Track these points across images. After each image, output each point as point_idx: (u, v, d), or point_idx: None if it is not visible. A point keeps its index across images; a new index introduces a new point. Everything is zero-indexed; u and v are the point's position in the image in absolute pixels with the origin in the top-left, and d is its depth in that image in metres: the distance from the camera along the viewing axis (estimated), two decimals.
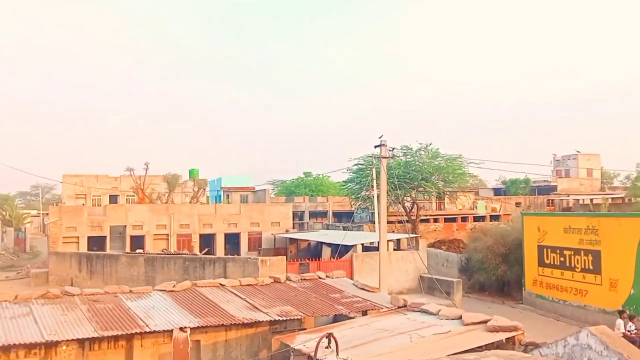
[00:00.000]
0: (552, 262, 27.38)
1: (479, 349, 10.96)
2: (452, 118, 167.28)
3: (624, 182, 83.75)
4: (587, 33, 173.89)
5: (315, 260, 32.54)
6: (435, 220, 49.50)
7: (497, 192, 74.87)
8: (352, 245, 32.87)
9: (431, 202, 52.14)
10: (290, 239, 44.19)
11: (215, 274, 29.54)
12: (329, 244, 35.60)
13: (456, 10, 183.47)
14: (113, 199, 62.84)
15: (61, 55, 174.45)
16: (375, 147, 23.69)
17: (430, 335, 11.87)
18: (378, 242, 24.96)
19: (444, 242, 43.69)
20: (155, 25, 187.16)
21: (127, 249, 40.62)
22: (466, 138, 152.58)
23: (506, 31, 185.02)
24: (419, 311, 14.15)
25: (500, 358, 9.29)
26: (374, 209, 36.23)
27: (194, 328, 13.15)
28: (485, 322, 12.17)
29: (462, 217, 51.05)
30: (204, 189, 60.51)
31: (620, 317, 18.79)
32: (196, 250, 41.88)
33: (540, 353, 10.46)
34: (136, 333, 12.77)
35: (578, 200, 59.06)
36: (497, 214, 53.93)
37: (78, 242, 41.42)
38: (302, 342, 12.20)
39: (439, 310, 13.53)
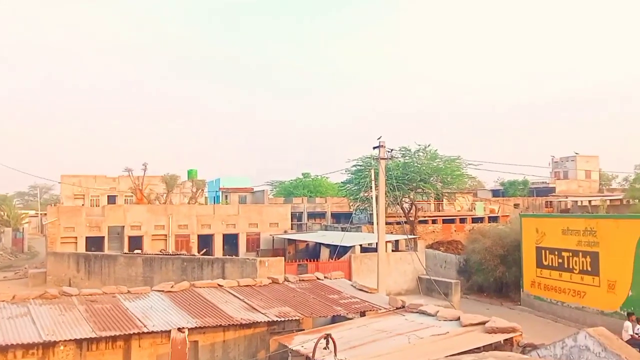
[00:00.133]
0: (550, 264, 27.40)
1: (477, 350, 10.96)
2: (452, 118, 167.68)
3: (622, 183, 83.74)
4: (587, 33, 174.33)
5: (314, 261, 32.52)
6: (434, 222, 49.51)
7: (495, 193, 74.92)
8: (350, 246, 32.85)
9: (429, 204, 52.15)
10: (289, 239, 44.16)
11: (213, 275, 29.50)
12: (327, 245, 35.58)
13: (456, 10, 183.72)
14: (111, 199, 62.75)
15: (59, 55, 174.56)
16: (374, 148, 23.69)
17: (429, 336, 11.87)
18: (376, 243, 24.95)
19: (443, 243, 43.68)
20: (154, 25, 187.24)
21: (125, 250, 40.56)
22: (466, 138, 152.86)
23: (506, 31, 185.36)
24: (417, 312, 14.15)
25: (498, 359, 9.29)
26: (372, 210, 36.23)
27: (192, 329, 13.15)
28: (484, 323, 12.18)
29: (460, 219, 51.06)
30: (203, 190, 60.44)
31: (629, 320, 18.76)
32: (194, 250, 41.83)
33: (539, 354, 10.47)
34: (134, 333, 12.76)
35: (576, 201, 59.13)
36: (496, 215, 53.95)
37: (76, 243, 41.35)
38: (300, 343, 12.20)
39: (437, 312, 13.54)
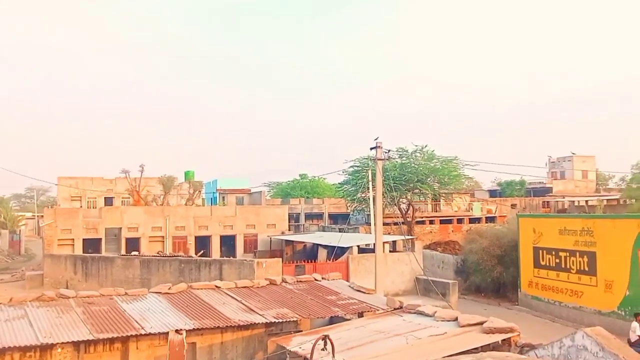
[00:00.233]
0: (547, 264, 27.44)
1: (475, 350, 10.97)
2: (451, 118, 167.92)
3: (619, 183, 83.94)
4: (587, 33, 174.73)
5: (311, 262, 32.53)
6: (431, 222, 49.53)
7: (492, 193, 75.01)
8: (348, 247, 32.87)
9: (427, 204, 52.18)
10: (286, 241, 44.16)
11: (210, 276, 29.51)
12: (324, 246, 35.60)
13: (456, 10, 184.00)
14: (108, 201, 62.67)
15: (57, 55, 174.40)
16: (371, 149, 23.72)
17: (427, 336, 11.88)
18: (374, 244, 24.97)
19: (440, 243, 43.70)
20: (153, 25, 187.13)
21: (123, 251, 40.53)
22: (465, 138, 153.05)
23: (506, 31, 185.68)
24: (415, 313, 14.16)
25: (495, 359, 9.30)
26: (369, 211, 36.25)
27: (189, 330, 13.14)
28: (481, 323, 12.19)
29: (457, 219, 51.08)
30: (200, 191, 60.43)
31: (636, 320, 18.77)
32: (192, 252, 41.82)
33: (536, 354, 10.49)
34: (132, 335, 12.75)
35: (573, 201, 59.24)
36: (493, 215, 54.00)
37: (73, 245, 41.32)
38: (298, 344, 12.20)
39: (435, 312, 13.55)
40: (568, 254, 26.10)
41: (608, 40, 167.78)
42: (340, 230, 42.37)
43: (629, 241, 22.97)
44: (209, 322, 13.66)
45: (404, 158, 45.93)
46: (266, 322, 14.30)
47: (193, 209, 47.77)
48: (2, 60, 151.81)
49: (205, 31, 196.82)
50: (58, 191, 64.94)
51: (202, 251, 42.24)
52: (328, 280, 18.53)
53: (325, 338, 11.02)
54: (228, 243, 45.67)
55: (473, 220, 50.78)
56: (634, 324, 18.59)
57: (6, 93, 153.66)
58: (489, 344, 11.40)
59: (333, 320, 15.56)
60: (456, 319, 12.78)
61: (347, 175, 48.51)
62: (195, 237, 44.56)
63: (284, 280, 17.95)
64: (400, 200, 45.11)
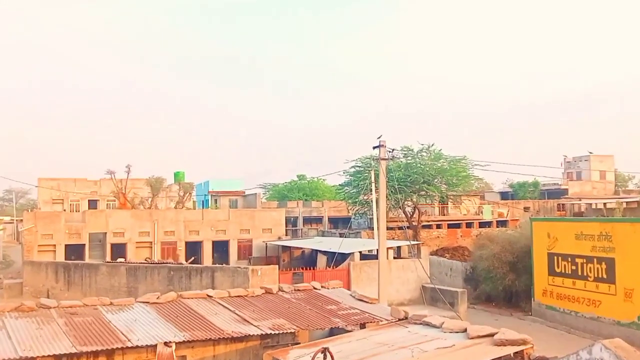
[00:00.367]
0: (563, 271, 27.46)
1: None
2: (456, 118, 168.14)
3: None
4: (596, 30, 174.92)
5: (310, 269, 32.52)
6: (438, 227, 49.57)
7: (504, 196, 75.09)
8: (349, 254, 32.87)
9: (434, 207, 52.20)
10: (283, 246, 44.16)
11: (202, 285, 29.49)
12: (324, 252, 35.59)
13: (456, 10, 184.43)
14: (92, 204, 62.71)
15: (41, 52, 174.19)
16: (374, 148, 23.71)
17: (433, 349, 11.88)
18: (377, 249, 24.96)
19: (448, 249, 43.74)
20: (147, 23, 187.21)
21: (108, 258, 40.50)
22: (470, 138, 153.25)
23: (512, 29, 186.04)
24: (421, 324, 14.15)
25: None
26: (372, 215, 36.24)
27: (179, 343, 13.13)
28: (492, 335, 12.18)
29: (466, 223, 51.14)
30: (190, 194, 60.51)
31: None
32: (182, 259, 41.79)
33: None
34: (117, 348, 12.74)
35: (590, 204, 59.25)
36: (504, 219, 54.05)
37: (55, 251, 41.28)
38: (296, 357, 12.19)
39: (443, 323, 13.54)
40: (585, 261, 26.12)
41: (624, 36, 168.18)
42: (341, 235, 42.37)
43: None
44: (200, 334, 13.65)
45: (409, 158, 45.97)
46: (261, 334, 14.29)
47: (183, 213, 47.74)
48: None
49: (202, 30, 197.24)
50: (38, 193, 65.03)
51: (192, 258, 42.22)
52: (328, 288, 18.52)
53: (324, 351, 11.01)
54: (221, 249, 45.65)
55: (483, 225, 50.83)
56: None
57: None
58: (500, 357, 11.40)
59: (333, 331, 15.55)
60: (465, 330, 12.78)
61: (348, 176, 48.55)
62: (186, 243, 44.53)
63: (280, 289, 17.95)
64: (405, 202, 45.13)
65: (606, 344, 9.62)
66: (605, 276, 25.05)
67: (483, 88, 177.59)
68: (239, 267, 31.25)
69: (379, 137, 23.43)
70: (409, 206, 46.23)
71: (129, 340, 12.87)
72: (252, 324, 14.53)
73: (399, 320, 14.95)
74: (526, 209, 60.16)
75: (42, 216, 43.66)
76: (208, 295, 16.80)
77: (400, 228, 42.05)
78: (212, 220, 46.02)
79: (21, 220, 55.56)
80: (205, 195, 68.58)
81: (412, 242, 36.41)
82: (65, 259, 39.85)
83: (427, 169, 44.52)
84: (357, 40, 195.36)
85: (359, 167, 46.98)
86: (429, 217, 50.27)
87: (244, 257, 45.36)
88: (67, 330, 13.20)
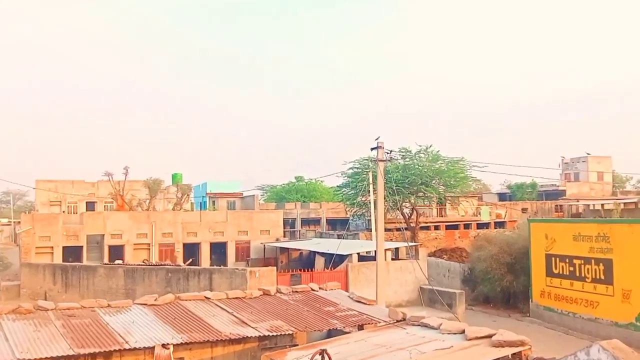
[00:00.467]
0: (561, 272, 27.48)
1: None
2: (455, 118, 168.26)
3: (637, 186, 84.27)
4: (601, 29, 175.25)
5: (308, 271, 32.51)
6: (436, 228, 49.57)
7: (502, 197, 75.11)
8: (347, 255, 32.87)
9: (432, 208, 52.21)
10: (281, 248, 44.15)
11: (200, 286, 29.47)
12: (322, 254, 35.60)
13: (457, 10, 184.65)
14: (90, 206, 62.58)
15: (41, 52, 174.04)
16: (372, 149, 23.74)
17: (431, 350, 11.88)
18: (375, 251, 24.97)
19: (446, 250, 43.76)
20: (145, 22, 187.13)
21: (105, 260, 40.48)
22: (470, 139, 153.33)
23: (512, 29, 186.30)
24: (419, 325, 14.15)
25: None
26: (370, 216, 36.24)
27: (177, 344, 13.11)
28: (490, 336, 12.18)
29: (464, 224, 51.12)
30: (188, 195, 60.35)
31: None
32: (179, 260, 41.76)
33: None
34: (115, 350, 12.71)
35: (588, 205, 59.29)
36: (502, 220, 54.06)
37: (52, 253, 41.24)
38: (294, 359, 12.18)
39: (441, 324, 13.54)
40: (583, 262, 26.14)
41: (626, 36, 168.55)
42: (339, 237, 42.37)
43: None
44: (198, 336, 13.64)
45: (407, 159, 46.01)
46: (259, 336, 14.27)
47: (181, 215, 47.71)
48: None
49: (204, 30, 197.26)
50: (36, 195, 64.89)
51: (190, 259, 42.18)
52: (326, 290, 18.51)
53: (322, 352, 11.00)
54: (218, 251, 45.63)
55: (481, 226, 50.83)
56: None
57: None
58: (498, 359, 11.40)
59: (331, 333, 15.54)
60: (463, 332, 12.78)
61: (346, 178, 48.58)
62: (184, 245, 44.51)
63: (278, 291, 17.93)
64: (403, 204, 45.14)
65: (604, 345, 9.63)
66: (603, 277, 25.07)
67: (483, 88, 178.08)
68: (237, 269, 31.23)
69: (376, 139, 23.48)
70: (407, 207, 46.23)
71: (126, 342, 12.84)
72: (250, 326, 14.52)
73: (397, 321, 14.94)
74: (524, 210, 60.18)
75: (39, 218, 43.63)
76: (206, 297, 16.78)
77: (398, 229, 42.06)
78: (210, 222, 46.01)
79: (19, 222, 55.52)
80: (203, 196, 68.52)
81: (410, 244, 36.44)
82: (63, 261, 39.82)
83: (425, 170, 44.55)
84: (357, 40, 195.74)
85: (357, 168, 47.00)
86: (427, 218, 50.27)
87: (242, 258, 45.34)
88: (65, 333, 13.18)
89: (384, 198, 25.22)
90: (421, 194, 45.52)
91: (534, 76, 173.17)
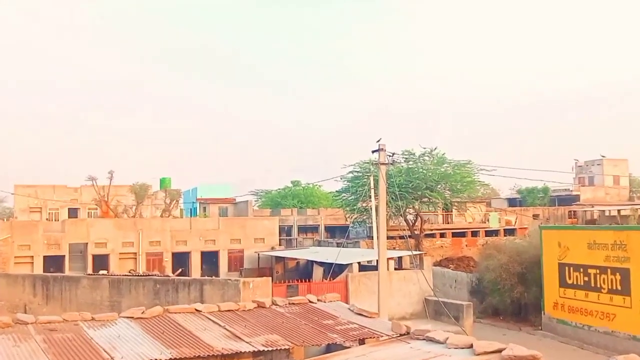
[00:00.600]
0: (575, 282, 27.49)
1: None
2: (456, 118, 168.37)
3: None
4: (616, 26, 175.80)
5: (305, 281, 32.51)
6: (442, 235, 49.62)
7: (511, 202, 75.19)
8: (347, 265, 32.86)
9: (437, 215, 52.26)
10: (277, 257, 44.14)
11: (190, 298, 29.44)
12: (320, 263, 35.60)
13: (459, 10, 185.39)
14: (72, 212, 62.62)
15: (19, 51, 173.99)
16: (373, 152, 23.75)
17: None
18: (377, 260, 24.96)
19: (452, 260, 43.79)
20: (137, 17, 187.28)
21: (89, 270, 40.48)
22: (470, 139, 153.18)
23: (520, 27, 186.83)
24: (423, 339, 14.14)
25: None
26: (371, 223, 36.26)
27: None
28: (500, 351, 12.18)
29: (472, 232, 51.21)
30: (177, 201, 60.47)
31: None
32: (168, 271, 41.75)
33: None
34: None
35: (604, 211, 59.38)
36: (512, 227, 54.14)
37: (32, 263, 41.22)
38: None
39: (447, 338, 13.53)
40: (598, 271, 26.16)
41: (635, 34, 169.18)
42: (339, 245, 42.36)
43: None
44: (188, 351, 13.61)
45: (410, 162, 46.07)
46: (254, 351, 14.26)
47: (170, 222, 47.73)
48: None
49: (192, 24, 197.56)
50: (15, 201, 64.87)
51: (180, 270, 42.16)
52: (324, 302, 18.50)
53: None
54: (210, 260, 45.62)
55: (489, 233, 50.91)
56: None
57: None
58: None
59: (330, 348, 15.53)
60: (471, 346, 12.77)
61: (346, 182, 48.61)
62: (173, 254, 44.51)
63: (274, 303, 17.92)
64: (407, 210, 45.19)
65: None
66: (619, 288, 25.08)
67: (484, 87, 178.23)
68: (230, 280, 31.22)
69: (378, 141, 23.44)
70: (410, 214, 46.28)
71: (112, 358, 12.82)
72: (243, 340, 14.50)
73: (401, 335, 14.94)
74: (535, 216, 60.22)
75: (18, 226, 43.61)
76: (196, 310, 16.76)
77: (401, 237, 42.05)
78: (200, 230, 46.00)
79: None
80: (193, 202, 68.60)
81: (414, 252, 36.41)
82: (44, 271, 39.79)
83: (430, 174, 44.60)
84: (359, 39, 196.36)
85: (358, 172, 47.03)
86: (432, 225, 50.31)
87: (235, 268, 45.34)
88: (46, 348, 13.16)
89: (386, 204, 25.22)
90: (426, 199, 45.54)
91: (544, 74, 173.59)
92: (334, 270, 31.68)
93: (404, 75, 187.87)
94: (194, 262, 44.69)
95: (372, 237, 36.17)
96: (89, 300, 32.76)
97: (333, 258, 32.12)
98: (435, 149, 46.34)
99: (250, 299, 19.28)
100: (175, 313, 16.39)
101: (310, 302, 18.42)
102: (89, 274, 37.07)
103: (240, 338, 14.65)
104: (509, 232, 51.97)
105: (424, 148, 46.29)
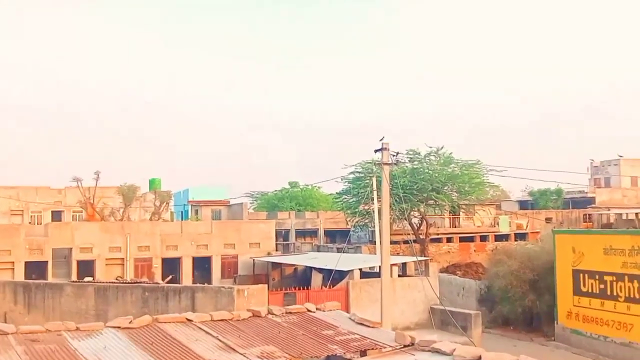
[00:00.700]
0: (590, 290, 27.50)
1: None
2: (468, 117, 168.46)
3: None
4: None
5: (303, 289, 32.52)
6: (449, 240, 49.64)
7: (523, 205, 75.22)
8: (348, 271, 32.87)
9: (444, 218, 52.32)
10: (273, 263, 44.14)
11: (181, 307, 29.44)
12: (319, 270, 35.60)
13: (462, 10, 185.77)
14: (56, 215, 62.59)
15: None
16: (376, 151, 23.77)
17: None
18: (380, 266, 24.97)
19: (460, 266, 43.80)
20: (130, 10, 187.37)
21: (74, 277, 40.43)
22: (483, 140, 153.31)
23: (532, 24, 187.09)
24: (429, 351, 14.16)
25: None
26: (374, 227, 36.27)
27: None
28: None
29: (481, 236, 51.23)
30: (168, 203, 60.46)
31: None
32: (158, 277, 41.73)
33: None
34: None
35: (621, 214, 59.47)
36: (524, 231, 54.17)
37: (13, 269, 41.17)
38: None
39: (454, 350, 13.55)
40: (615, 278, 26.16)
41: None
42: (339, 251, 42.38)
43: None
44: None
45: (415, 162, 46.10)
46: None
47: (159, 225, 47.71)
48: None
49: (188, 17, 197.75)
50: None
51: (170, 276, 42.12)
52: (324, 311, 18.51)
53: None
54: (202, 266, 45.60)
55: (499, 238, 50.91)
56: None
57: None
58: None
59: None
60: (479, 358, 12.79)
61: (346, 184, 48.64)
62: (162, 260, 44.46)
63: (270, 312, 17.92)
64: (412, 213, 45.18)
65: None
66: (638, 296, 25.10)
67: (503, 80, 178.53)
68: (223, 287, 31.23)
69: (381, 139, 23.48)
70: (415, 217, 46.29)
71: None
72: (237, 352, 14.50)
73: (405, 346, 14.95)
74: (548, 220, 60.27)
75: None
76: (188, 319, 16.76)
77: (405, 242, 42.03)
78: (192, 234, 45.95)
79: None
80: (184, 205, 68.57)
81: (420, 258, 36.43)
82: (25, 278, 39.73)
83: (436, 175, 44.62)
84: (361, 33, 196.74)
85: (359, 173, 47.04)
86: (438, 229, 50.36)
87: (229, 275, 45.30)
88: None
89: (390, 206, 25.23)
90: (432, 201, 45.58)
91: (571, 70, 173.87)
92: (334, 277, 31.67)
93: (408, 73, 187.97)
94: (185, 269, 44.65)
95: (375, 241, 36.19)
96: (73, 309, 32.75)
97: (333, 264, 32.13)
98: (442, 148, 46.44)
99: (244, 308, 19.29)
100: (165, 323, 16.38)
101: (308, 311, 18.42)
102: (73, 281, 37.06)
103: (234, 349, 14.65)
104: (520, 236, 51.95)
105: (430, 147, 46.37)
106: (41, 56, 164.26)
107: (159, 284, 35.15)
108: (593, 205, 67.52)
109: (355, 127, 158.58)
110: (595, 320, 27.17)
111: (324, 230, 64.50)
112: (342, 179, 47.70)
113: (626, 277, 25.62)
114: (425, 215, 46.14)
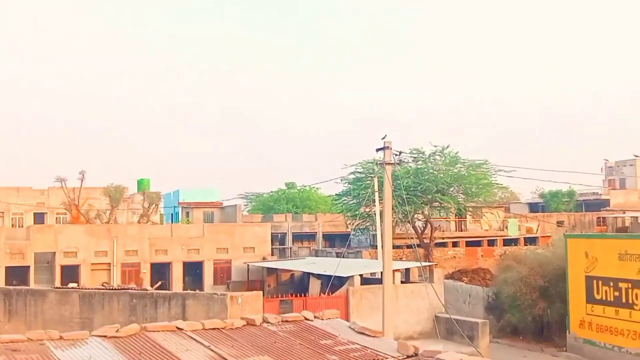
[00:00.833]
0: (604, 298, 27.52)
1: None
2: (476, 116, 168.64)
3: None
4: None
5: (301, 296, 32.52)
6: (455, 245, 49.67)
7: (533, 207, 75.24)
8: (347, 277, 32.87)
9: (449, 221, 52.31)
10: (269, 269, 44.13)
11: (171, 315, 29.46)
12: (318, 276, 35.60)
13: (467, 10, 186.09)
14: (39, 218, 62.54)
15: None
16: (377, 150, 23.75)
17: None
18: (381, 272, 24.97)
19: (466, 272, 43.84)
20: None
21: (57, 283, 40.37)
22: (493, 139, 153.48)
23: (539, 22, 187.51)
24: None
25: None
26: (375, 230, 36.27)
27: None
28: None
29: (488, 241, 51.25)
30: (157, 205, 60.39)
31: None
32: (146, 283, 41.72)
33: None
34: None
35: (637, 217, 59.45)
36: (534, 236, 54.21)
37: None
38: None
39: None
40: (630, 285, 26.19)
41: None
42: (338, 255, 42.35)
43: None
44: None
45: (419, 162, 46.12)
46: None
47: (148, 228, 47.67)
48: None
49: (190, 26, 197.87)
50: None
51: (159, 282, 42.14)
52: (322, 319, 18.50)
53: None
54: (193, 272, 45.58)
55: (508, 242, 50.96)
56: None
57: None
58: None
59: None
60: None
61: (346, 185, 48.61)
62: (151, 265, 44.44)
63: (265, 320, 17.91)
64: (415, 216, 45.20)
65: None
66: None
67: (513, 78, 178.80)
68: (215, 294, 31.22)
69: (383, 138, 23.46)
70: (419, 220, 46.31)
71: None
72: None
73: (408, 357, 14.95)
74: (560, 223, 60.31)
75: None
76: (178, 328, 16.75)
77: (409, 246, 42.06)
78: (183, 238, 45.93)
79: None
80: (174, 207, 68.51)
81: (424, 264, 36.44)
82: (6, 284, 39.68)
83: (442, 175, 44.63)
84: (359, 33, 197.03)
85: (360, 173, 47.02)
86: (444, 233, 50.36)
87: (221, 281, 45.28)
88: None
89: (392, 209, 25.23)
90: (437, 203, 45.59)
91: (585, 69, 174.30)
92: (332, 283, 31.68)
93: (412, 70, 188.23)
94: (176, 274, 44.62)
95: (376, 246, 36.19)
96: (56, 317, 32.73)
97: (332, 270, 32.13)
98: (448, 147, 46.33)
99: (238, 316, 19.28)
100: (154, 331, 16.37)
101: (306, 319, 18.42)
102: (56, 287, 36.97)
103: None
104: (530, 241, 52.02)
105: (435, 146, 46.29)
106: (23, 52, 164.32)
107: (147, 290, 35.12)
108: (607, 208, 67.53)
109: (355, 127, 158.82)
110: (610, 329, 27.19)
111: (323, 234, 64.47)
112: (341, 180, 47.67)
113: None
114: (430, 218, 46.12)
